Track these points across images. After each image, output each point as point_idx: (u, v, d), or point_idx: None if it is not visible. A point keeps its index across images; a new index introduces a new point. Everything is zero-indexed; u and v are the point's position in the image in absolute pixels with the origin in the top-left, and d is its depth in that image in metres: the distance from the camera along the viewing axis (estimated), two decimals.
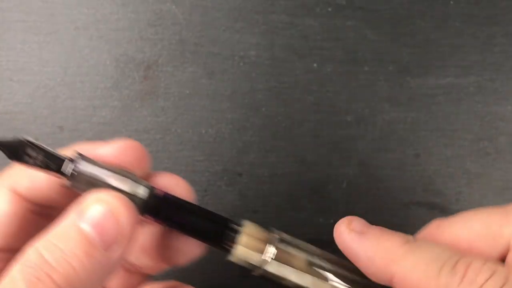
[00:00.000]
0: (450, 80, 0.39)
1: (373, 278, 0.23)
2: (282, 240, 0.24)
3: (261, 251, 0.23)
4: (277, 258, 0.23)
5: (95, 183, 0.22)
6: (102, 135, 0.36)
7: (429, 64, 0.39)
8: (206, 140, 0.37)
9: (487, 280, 0.19)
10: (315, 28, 0.39)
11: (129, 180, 0.22)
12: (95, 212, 0.20)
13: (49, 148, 0.21)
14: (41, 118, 0.36)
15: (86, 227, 0.20)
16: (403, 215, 0.37)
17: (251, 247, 0.23)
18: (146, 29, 0.38)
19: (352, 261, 0.23)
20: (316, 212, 0.37)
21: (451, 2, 0.40)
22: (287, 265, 0.23)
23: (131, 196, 0.22)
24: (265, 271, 0.23)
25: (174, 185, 0.24)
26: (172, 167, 0.37)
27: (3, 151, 0.21)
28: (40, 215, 0.24)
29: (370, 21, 0.39)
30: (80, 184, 0.22)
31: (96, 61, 0.37)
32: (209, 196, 0.37)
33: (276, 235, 0.24)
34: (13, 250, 0.21)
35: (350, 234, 0.23)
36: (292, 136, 0.37)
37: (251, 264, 0.23)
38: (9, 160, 0.21)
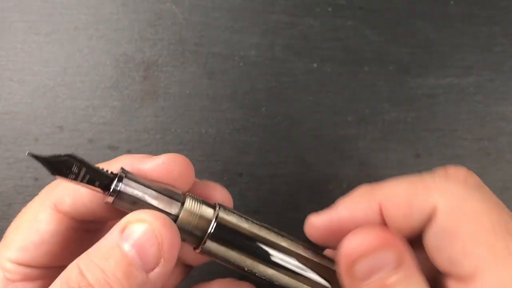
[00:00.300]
0: (450, 80, 0.39)
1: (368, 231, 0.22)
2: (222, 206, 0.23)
3: (211, 207, 0.22)
4: (224, 213, 0.22)
5: (138, 202, 0.21)
6: (102, 135, 0.36)
7: (429, 64, 0.39)
8: (206, 140, 0.37)
9: (470, 175, 0.22)
10: (315, 28, 0.39)
11: (174, 202, 0.21)
12: (137, 232, 0.20)
13: (94, 165, 0.21)
14: (41, 118, 0.36)
15: (127, 247, 0.20)
16: None
17: (199, 205, 0.22)
18: (146, 29, 0.38)
19: (340, 235, 0.23)
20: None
21: (451, 2, 0.40)
22: (235, 215, 0.23)
23: (176, 217, 0.21)
24: (216, 226, 0.22)
25: (217, 195, 0.24)
26: None
27: (46, 167, 0.20)
28: (82, 231, 0.24)
29: (370, 21, 0.39)
30: (124, 202, 0.21)
31: (96, 61, 0.37)
32: None
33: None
34: (57, 267, 0.22)
35: (321, 214, 0.24)
36: (292, 136, 0.37)
37: (200, 223, 0.22)
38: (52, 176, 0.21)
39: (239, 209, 0.37)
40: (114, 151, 0.36)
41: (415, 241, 0.22)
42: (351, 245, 0.21)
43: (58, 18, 0.37)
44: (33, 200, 0.24)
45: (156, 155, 0.36)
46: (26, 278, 0.23)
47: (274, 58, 0.38)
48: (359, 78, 0.38)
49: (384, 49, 0.39)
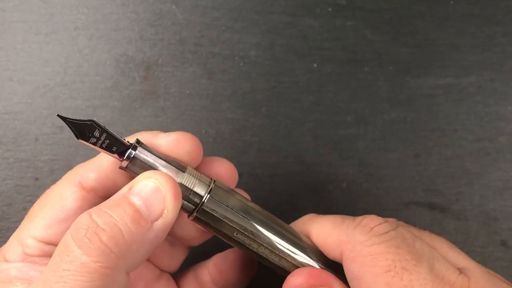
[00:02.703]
0: (450, 80, 0.39)
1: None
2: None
3: (207, 183, 0.25)
4: (218, 189, 0.25)
5: (149, 169, 0.23)
6: None
7: (429, 64, 0.39)
8: (206, 140, 0.37)
9: (379, 224, 0.24)
10: (315, 28, 0.39)
11: (179, 173, 0.24)
12: (144, 187, 0.22)
13: (114, 133, 0.23)
14: (41, 118, 0.36)
15: (134, 199, 0.22)
16: (403, 215, 0.37)
17: (194, 179, 0.24)
18: (146, 29, 0.38)
19: None
20: (316, 212, 0.37)
21: (451, 2, 0.40)
22: (226, 191, 0.25)
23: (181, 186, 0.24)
24: (212, 191, 0.24)
25: (222, 169, 0.27)
26: None
27: (72, 130, 0.23)
28: None
29: (370, 21, 0.39)
30: (136, 168, 0.23)
31: (96, 61, 0.37)
32: None
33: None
34: None
35: None
36: (292, 136, 0.37)
37: (192, 195, 0.24)
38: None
39: None
40: None
41: None
42: (292, 284, 0.25)
43: (58, 18, 0.37)
44: (58, 181, 0.26)
45: None
46: (44, 254, 0.24)
47: (274, 58, 0.38)
48: (359, 78, 0.38)
49: (384, 49, 0.39)
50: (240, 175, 0.37)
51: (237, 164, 0.37)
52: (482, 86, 0.39)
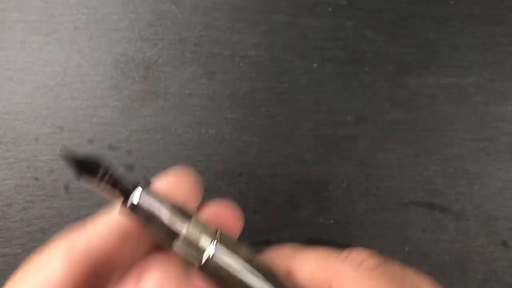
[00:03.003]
0: (450, 80, 0.39)
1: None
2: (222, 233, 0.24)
3: (210, 235, 0.23)
4: (223, 242, 0.24)
5: (153, 218, 0.22)
6: (102, 135, 0.36)
7: (429, 64, 0.39)
8: (206, 140, 0.37)
9: (368, 259, 0.24)
10: (315, 28, 0.39)
11: (182, 222, 0.22)
12: (151, 281, 0.21)
13: (119, 174, 0.22)
14: (41, 118, 0.36)
15: None
16: (403, 215, 0.37)
17: (199, 230, 0.23)
18: (146, 29, 0.38)
19: None
20: (316, 212, 0.37)
21: (451, 2, 0.40)
22: (229, 249, 0.24)
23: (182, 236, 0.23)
24: (217, 246, 0.23)
25: (223, 215, 0.25)
26: (172, 167, 0.36)
27: (72, 168, 0.21)
28: (93, 285, 0.24)
29: (370, 21, 0.39)
30: (138, 214, 0.22)
31: (96, 61, 0.37)
32: (209, 196, 0.37)
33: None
34: None
35: None
36: (292, 136, 0.37)
37: (198, 248, 0.23)
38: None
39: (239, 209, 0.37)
40: (114, 151, 0.36)
41: None
42: None
43: (58, 18, 0.37)
44: (45, 247, 0.24)
45: (156, 155, 0.36)
46: None
47: (274, 58, 0.38)
48: (359, 78, 0.38)
49: (384, 49, 0.39)
50: (240, 175, 0.37)
51: (237, 164, 0.37)
52: (482, 86, 0.39)
